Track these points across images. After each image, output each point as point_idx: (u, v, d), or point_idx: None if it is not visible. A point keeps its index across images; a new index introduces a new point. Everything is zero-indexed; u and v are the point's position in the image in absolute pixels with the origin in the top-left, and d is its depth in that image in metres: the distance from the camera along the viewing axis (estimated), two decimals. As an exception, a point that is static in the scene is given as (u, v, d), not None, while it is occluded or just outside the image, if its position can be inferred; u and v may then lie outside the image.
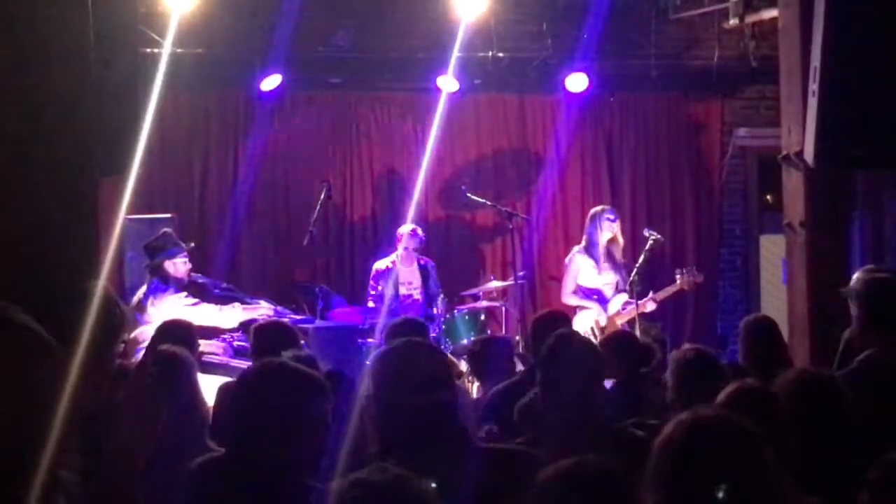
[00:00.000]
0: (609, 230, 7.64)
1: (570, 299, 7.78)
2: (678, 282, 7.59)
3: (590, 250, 7.69)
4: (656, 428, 2.72)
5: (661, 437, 2.30)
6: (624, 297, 7.56)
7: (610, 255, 7.64)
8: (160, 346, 4.41)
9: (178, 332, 4.98)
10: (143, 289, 6.76)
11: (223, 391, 4.53)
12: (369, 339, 7.51)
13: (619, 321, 7.50)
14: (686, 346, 4.44)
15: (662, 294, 7.62)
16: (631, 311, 7.43)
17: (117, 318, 2.59)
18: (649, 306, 7.53)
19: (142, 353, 5.32)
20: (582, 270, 7.71)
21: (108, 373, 2.58)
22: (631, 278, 7.33)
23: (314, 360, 4.17)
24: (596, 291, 7.65)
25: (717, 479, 2.19)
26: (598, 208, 7.92)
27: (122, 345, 6.08)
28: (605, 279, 7.60)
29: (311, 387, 2.71)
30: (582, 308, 7.65)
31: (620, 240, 7.73)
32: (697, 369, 4.02)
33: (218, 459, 2.78)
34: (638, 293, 7.32)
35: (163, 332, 5.07)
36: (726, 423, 2.31)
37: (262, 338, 4.92)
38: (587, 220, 7.83)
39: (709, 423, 2.29)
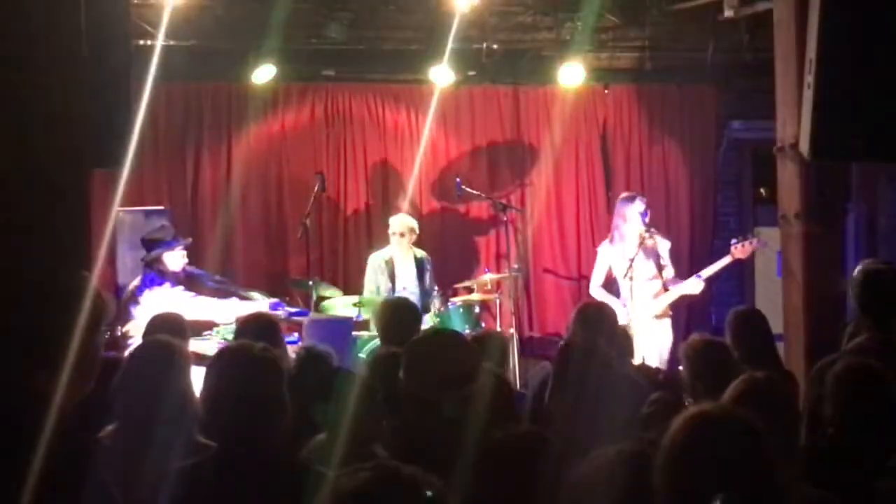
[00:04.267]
0: (635, 219, 7.39)
1: (594, 291, 7.71)
2: (732, 251, 7.28)
3: (612, 240, 7.58)
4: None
5: (668, 433, 2.29)
6: (655, 285, 7.42)
7: (643, 245, 7.35)
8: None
9: (169, 325, 4.96)
10: (137, 281, 6.73)
11: None
12: (363, 332, 7.51)
13: (660, 306, 7.40)
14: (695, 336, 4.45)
15: (711, 270, 7.41)
16: (674, 293, 7.38)
17: (99, 307, 2.58)
18: (693, 287, 7.41)
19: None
20: (609, 261, 7.60)
21: (96, 362, 2.56)
22: (625, 272, 7.29)
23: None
24: (622, 285, 7.47)
25: (719, 475, 2.18)
26: (623, 195, 7.73)
27: (108, 334, 6.08)
28: (636, 271, 7.28)
29: (262, 366, 2.78)
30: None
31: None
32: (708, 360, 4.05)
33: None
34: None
35: (154, 326, 5.05)
36: (729, 418, 2.30)
37: (244, 329, 4.91)
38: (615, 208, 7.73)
39: (712, 420, 2.29)
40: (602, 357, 3.69)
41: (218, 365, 2.91)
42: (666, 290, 7.46)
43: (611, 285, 7.67)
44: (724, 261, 7.38)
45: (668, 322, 7.50)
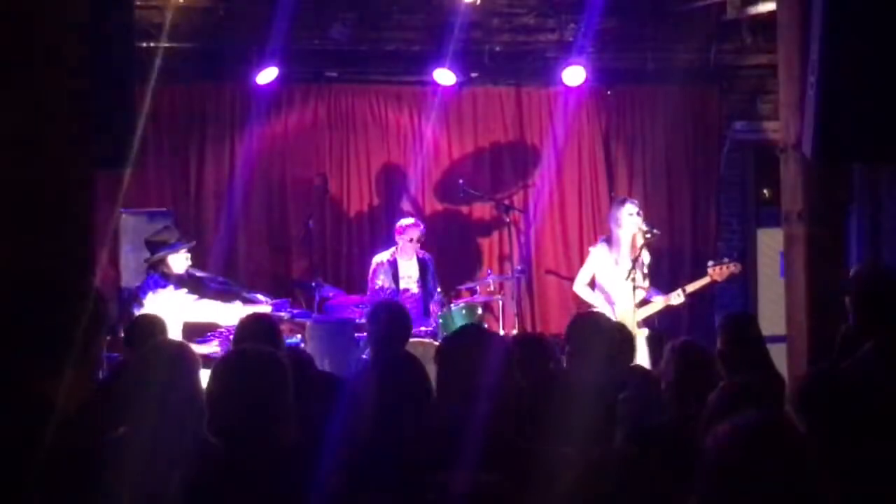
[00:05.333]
0: (630, 224, 7.41)
1: (578, 290, 7.70)
2: (710, 273, 7.35)
3: (609, 243, 7.58)
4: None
5: (708, 441, 2.28)
6: (640, 293, 7.40)
7: (634, 250, 7.36)
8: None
9: (151, 326, 5.01)
10: (140, 283, 6.74)
11: None
12: (366, 333, 7.51)
13: (641, 316, 7.38)
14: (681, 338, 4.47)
15: (692, 287, 7.43)
16: (656, 304, 7.37)
17: (101, 309, 2.59)
18: (675, 299, 7.41)
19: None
20: (599, 264, 7.59)
21: (98, 363, 2.57)
22: (627, 274, 7.28)
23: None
24: (609, 289, 7.49)
25: (763, 485, 2.17)
26: (618, 199, 7.75)
27: (109, 337, 6.11)
28: (625, 275, 7.30)
29: (272, 371, 2.90)
30: (589, 304, 7.54)
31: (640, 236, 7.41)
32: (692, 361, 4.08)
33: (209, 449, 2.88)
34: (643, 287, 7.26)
35: (137, 326, 5.09)
36: (772, 428, 2.30)
37: (244, 331, 4.93)
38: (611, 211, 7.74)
39: (755, 430, 2.28)
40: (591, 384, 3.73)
41: (226, 368, 2.92)
42: (646, 301, 7.47)
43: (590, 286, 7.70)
44: (704, 280, 7.44)
45: (644, 332, 7.51)
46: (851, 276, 4.47)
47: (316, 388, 3.54)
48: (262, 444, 2.79)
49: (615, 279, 7.44)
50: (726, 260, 7.54)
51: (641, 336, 7.42)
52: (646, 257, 7.47)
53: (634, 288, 7.22)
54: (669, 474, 2.89)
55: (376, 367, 4.57)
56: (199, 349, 6.11)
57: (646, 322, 7.42)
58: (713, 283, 7.51)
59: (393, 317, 5.02)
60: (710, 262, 7.50)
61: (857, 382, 3.38)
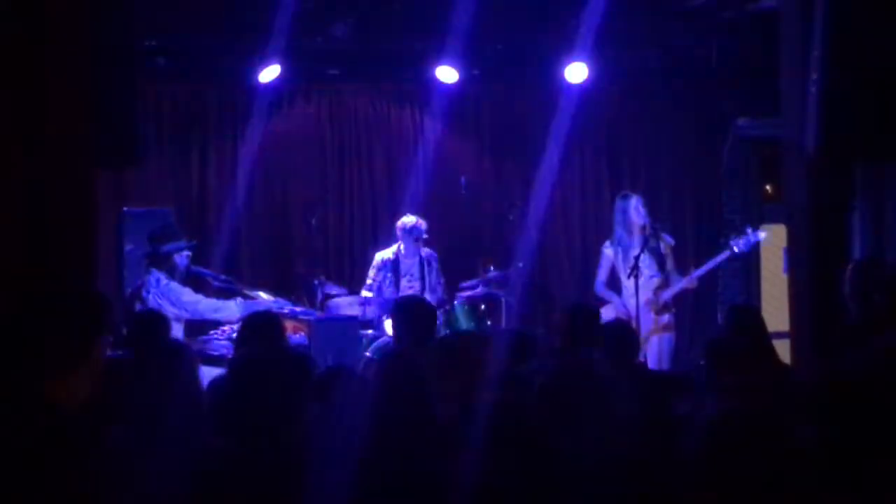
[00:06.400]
0: (636, 219, 7.46)
1: (598, 291, 7.74)
2: (732, 246, 7.40)
3: (614, 239, 7.61)
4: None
5: (700, 423, 2.34)
6: (655, 281, 7.44)
7: (647, 243, 7.41)
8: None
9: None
10: (143, 281, 6.74)
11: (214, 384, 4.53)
12: (368, 331, 7.51)
13: (661, 302, 7.41)
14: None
15: (712, 263, 7.51)
16: (675, 286, 7.40)
17: (103, 308, 2.60)
18: (692, 282, 7.45)
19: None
20: (612, 262, 7.62)
21: (100, 363, 2.58)
22: (630, 270, 7.29)
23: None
24: (626, 284, 7.56)
25: (748, 466, 2.23)
26: (623, 195, 7.80)
27: (111, 337, 6.13)
28: (640, 269, 7.32)
29: (293, 373, 2.91)
30: (607, 301, 7.58)
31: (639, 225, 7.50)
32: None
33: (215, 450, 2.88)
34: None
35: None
36: (756, 414, 2.35)
37: (248, 328, 4.93)
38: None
39: (739, 415, 2.33)
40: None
41: (243, 368, 2.92)
42: (668, 285, 7.50)
43: (613, 283, 7.71)
44: (724, 255, 7.49)
45: (671, 331, 7.53)
46: (854, 269, 4.48)
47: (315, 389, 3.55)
48: (272, 444, 2.78)
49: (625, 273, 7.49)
50: (749, 228, 7.56)
51: (666, 335, 7.47)
52: (662, 245, 7.50)
53: (637, 286, 7.23)
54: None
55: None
56: (198, 345, 6.14)
57: (675, 304, 7.50)
58: (733, 254, 7.54)
59: (419, 311, 5.03)
60: (733, 236, 7.54)
61: (864, 380, 3.37)
